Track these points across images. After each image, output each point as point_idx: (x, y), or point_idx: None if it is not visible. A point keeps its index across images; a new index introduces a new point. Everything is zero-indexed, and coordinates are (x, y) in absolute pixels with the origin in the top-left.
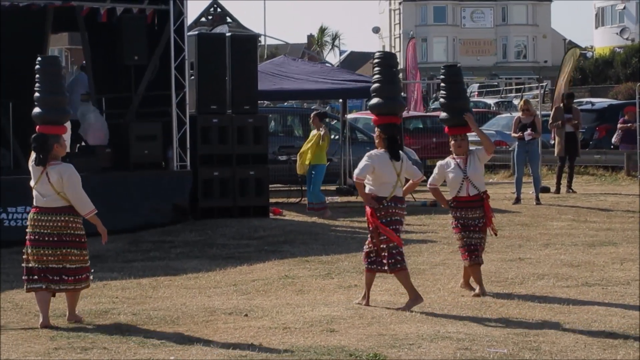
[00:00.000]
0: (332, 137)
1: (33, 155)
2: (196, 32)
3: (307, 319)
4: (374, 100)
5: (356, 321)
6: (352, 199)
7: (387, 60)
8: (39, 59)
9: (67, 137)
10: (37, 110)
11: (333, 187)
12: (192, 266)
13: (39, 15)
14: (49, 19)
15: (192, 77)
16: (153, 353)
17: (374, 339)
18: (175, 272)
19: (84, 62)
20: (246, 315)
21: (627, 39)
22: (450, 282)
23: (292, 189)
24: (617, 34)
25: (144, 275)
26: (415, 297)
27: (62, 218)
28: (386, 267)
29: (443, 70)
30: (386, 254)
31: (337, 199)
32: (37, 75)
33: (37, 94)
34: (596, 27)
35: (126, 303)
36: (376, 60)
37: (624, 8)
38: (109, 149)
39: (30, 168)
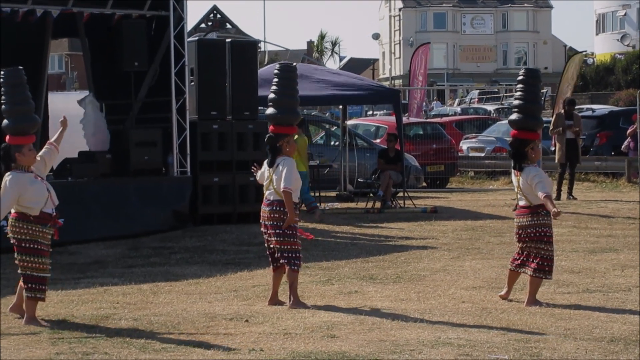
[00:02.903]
0: (332, 143)
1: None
2: (196, 38)
3: (307, 324)
4: (269, 111)
5: (357, 327)
6: (352, 205)
7: (288, 72)
8: (2, 72)
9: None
10: (4, 121)
11: (333, 194)
12: (193, 272)
13: (39, 22)
14: (49, 25)
15: (192, 83)
16: (154, 358)
17: (375, 345)
18: (176, 277)
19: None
20: (247, 320)
21: (627, 45)
22: (450, 288)
23: None
24: (617, 40)
25: (145, 280)
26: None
27: (12, 223)
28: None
29: (523, 72)
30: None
31: (337, 205)
32: (2, 88)
33: (2, 106)
34: (597, 34)
35: (127, 308)
36: (277, 72)
37: (625, 14)
38: (109, 155)
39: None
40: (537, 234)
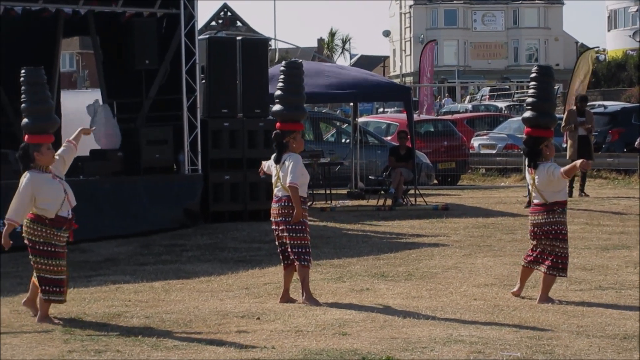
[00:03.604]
0: (343, 140)
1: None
2: (207, 36)
3: (319, 322)
4: (276, 108)
5: (368, 324)
6: (363, 202)
7: (294, 70)
8: (22, 71)
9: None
10: (24, 120)
11: (344, 191)
12: (204, 270)
13: (50, 20)
14: (60, 24)
15: (203, 81)
16: (166, 356)
17: (386, 342)
18: (187, 275)
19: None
20: (258, 318)
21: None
22: (462, 286)
23: None
24: (630, 36)
25: (156, 278)
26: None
27: (27, 225)
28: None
29: (536, 69)
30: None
31: (348, 202)
32: (22, 87)
33: (23, 105)
34: (609, 30)
35: (139, 306)
36: (283, 69)
37: (637, 10)
38: (120, 153)
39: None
40: (553, 232)
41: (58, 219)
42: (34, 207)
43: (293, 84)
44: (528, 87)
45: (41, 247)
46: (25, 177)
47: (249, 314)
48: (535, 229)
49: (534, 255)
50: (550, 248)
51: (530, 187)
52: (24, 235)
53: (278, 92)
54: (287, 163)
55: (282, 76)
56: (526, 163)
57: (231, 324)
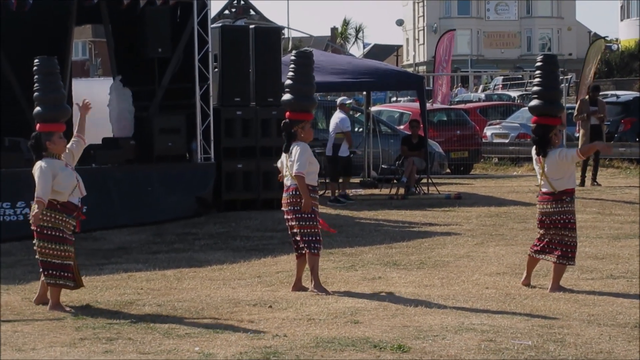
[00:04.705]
0: (356, 129)
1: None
2: (220, 25)
3: (331, 310)
4: (286, 97)
5: (380, 313)
6: (376, 191)
7: (304, 59)
8: (36, 60)
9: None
10: (36, 109)
11: (357, 180)
12: (216, 258)
13: (63, 8)
14: (73, 12)
15: (216, 70)
16: (178, 344)
17: (398, 331)
18: (200, 263)
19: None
20: (270, 306)
21: None
22: (474, 274)
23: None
24: None
25: (169, 266)
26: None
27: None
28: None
29: (541, 58)
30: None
31: (361, 191)
32: (35, 76)
33: (35, 93)
34: (621, 20)
35: (151, 294)
36: (293, 59)
37: None
38: (133, 142)
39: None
40: (562, 221)
41: (69, 204)
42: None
43: (303, 73)
44: (533, 77)
45: (49, 232)
46: (41, 162)
47: (261, 302)
48: (544, 217)
49: (541, 245)
50: (559, 237)
51: (539, 176)
52: (32, 220)
53: (288, 82)
54: (294, 152)
55: (292, 65)
56: (534, 152)
57: (243, 312)
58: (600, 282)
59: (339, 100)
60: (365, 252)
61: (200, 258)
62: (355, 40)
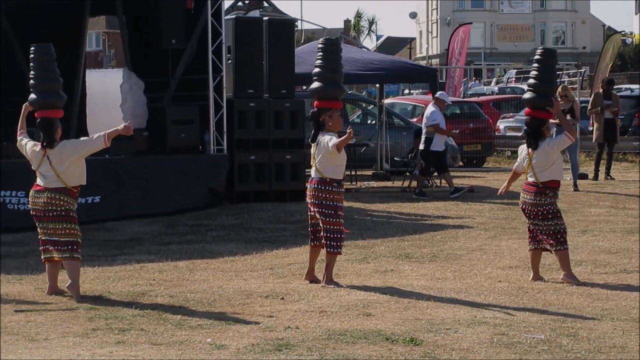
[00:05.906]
0: (369, 121)
1: (29, 141)
2: (233, 16)
3: (343, 302)
4: (314, 85)
5: (392, 305)
6: (389, 184)
7: (332, 46)
8: (32, 48)
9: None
10: (33, 96)
11: (370, 172)
12: (229, 249)
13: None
14: (87, 2)
15: (229, 61)
16: (190, 335)
17: (411, 324)
18: (212, 255)
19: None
20: (282, 298)
21: None
22: (487, 268)
23: None
24: None
25: (181, 258)
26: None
27: (55, 196)
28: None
29: (539, 51)
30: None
31: (374, 183)
32: (31, 64)
33: (32, 81)
34: (636, 13)
35: (163, 285)
36: (321, 46)
37: None
38: (146, 132)
39: (30, 153)
40: (542, 212)
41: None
42: (62, 177)
43: (331, 60)
44: (531, 69)
45: (62, 213)
46: (65, 141)
47: (273, 294)
48: (524, 206)
49: (534, 238)
50: (545, 228)
51: (525, 167)
52: (37, 207)
53: (316, 70)
54: (321, 141)
55: (319, 53)
56: (521, 148)
57: (255, 304)
58: (613, 277)
59: (438, 94)
60: (377, 245)
61: (213, 249)
62: (369, 32)
